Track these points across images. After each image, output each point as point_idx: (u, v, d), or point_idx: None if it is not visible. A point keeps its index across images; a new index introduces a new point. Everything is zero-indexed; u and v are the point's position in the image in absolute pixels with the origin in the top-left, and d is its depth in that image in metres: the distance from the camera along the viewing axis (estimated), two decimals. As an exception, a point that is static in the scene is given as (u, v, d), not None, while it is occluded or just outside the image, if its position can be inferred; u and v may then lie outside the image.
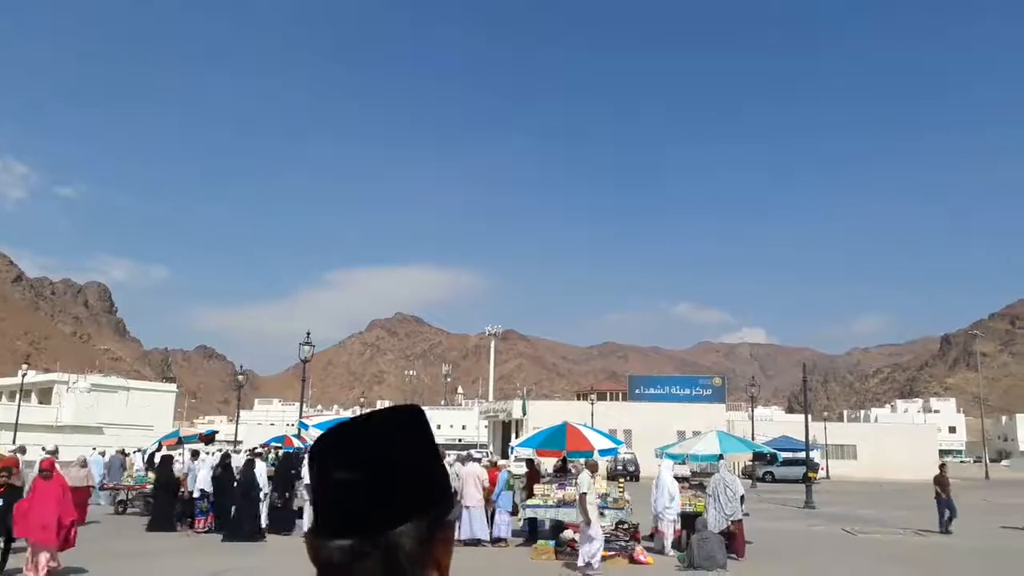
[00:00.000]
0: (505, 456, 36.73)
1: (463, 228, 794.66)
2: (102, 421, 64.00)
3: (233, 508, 16.87)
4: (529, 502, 16.86)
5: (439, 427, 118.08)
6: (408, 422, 1.16)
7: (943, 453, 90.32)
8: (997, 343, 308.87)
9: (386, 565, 1.09)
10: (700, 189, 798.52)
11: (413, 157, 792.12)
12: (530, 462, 20.05)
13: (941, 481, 20.59)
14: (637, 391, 65.01)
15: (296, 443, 26.28)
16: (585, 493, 13.01)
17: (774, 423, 67.60)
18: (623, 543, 14.95)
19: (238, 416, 48.11)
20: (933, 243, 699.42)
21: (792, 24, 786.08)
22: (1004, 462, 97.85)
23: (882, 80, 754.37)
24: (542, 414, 50.66)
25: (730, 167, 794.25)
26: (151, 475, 20.96)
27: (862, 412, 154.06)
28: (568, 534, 15.38)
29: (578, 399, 71.84)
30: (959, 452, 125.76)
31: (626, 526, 15.48)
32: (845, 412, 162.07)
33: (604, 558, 14.62)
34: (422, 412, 1.20)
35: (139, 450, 29.50)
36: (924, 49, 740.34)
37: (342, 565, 1.09)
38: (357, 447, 1.12)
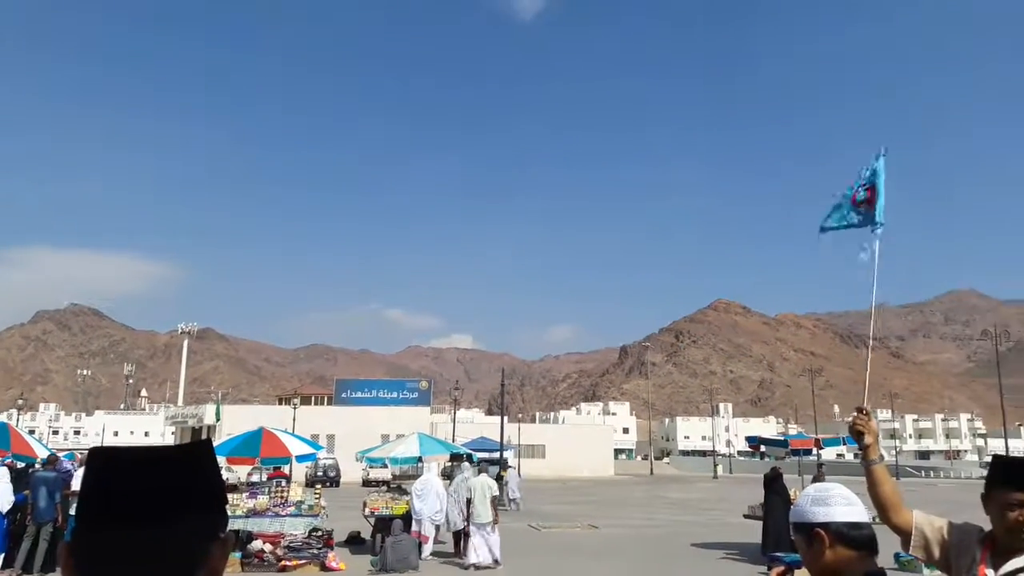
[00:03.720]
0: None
1: (159, 212, 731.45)
2: None
3: None
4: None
5: (116, 434, 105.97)
6: (191, 444, 1.24)
7: (618, 452, 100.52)
8: (664, 354, 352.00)
9: (166, 557, 1.13)
10: (416, 197, 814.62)
11: (101, 125, 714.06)
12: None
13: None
14: (343, 395, 63.98)
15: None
16: (497, 496, 14.59)
17: (475, 424, 70.31)
18: (315, 550, 14.42)
19: None
20: (614, 264, 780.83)
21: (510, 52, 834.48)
22: (665, 459, 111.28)
23: (593, 115, 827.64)
24: (239, 419, 47.79)
25: (446, 179, 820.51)
26: None
27: (552, 414, 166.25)
28: (257, 544, 14.49)
29: (280, 403, 69.00)
30: (630, 451, 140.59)
31: (319, 533, 14.95)
32: (537, 414, 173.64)
33: (295, 567, 14.00)
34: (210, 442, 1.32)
35: None
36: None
37: (121, 556, 1.11)
38: (138, 450, 1.19)
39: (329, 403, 66.24)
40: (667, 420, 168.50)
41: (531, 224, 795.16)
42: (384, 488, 18.30)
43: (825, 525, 2.08)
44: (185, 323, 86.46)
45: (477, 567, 13.84)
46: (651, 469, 76.25)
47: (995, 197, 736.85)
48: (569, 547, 17.70)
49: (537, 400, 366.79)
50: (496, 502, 14.48)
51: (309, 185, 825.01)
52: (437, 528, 15.66)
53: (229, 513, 11.56)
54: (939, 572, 2.71)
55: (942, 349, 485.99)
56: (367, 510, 16.48)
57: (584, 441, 69.00)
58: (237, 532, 15.04)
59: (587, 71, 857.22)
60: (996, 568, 2.49)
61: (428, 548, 15.31)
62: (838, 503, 2.11)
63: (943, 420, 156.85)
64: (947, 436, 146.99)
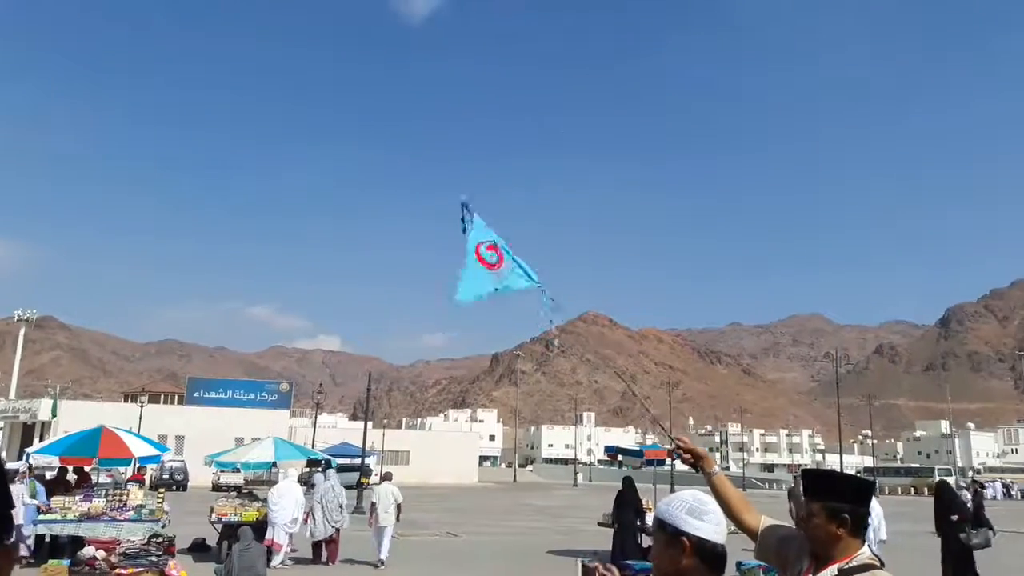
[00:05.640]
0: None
1: None
2: None
3: None
4: (44, 517, 14.48)
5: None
6: None
7: (483, 459, 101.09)
8: (534, 363, 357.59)
9: None
10: (288, 191, 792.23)
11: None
12: (63, 471, 17.43)
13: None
14: (196, 394, 60.93)
15: None
16: (400, 503, 15.73)
17: (337, 430, 68.90)
18: (155, 557, 13.55)
19: None
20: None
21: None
22: (529, 467, 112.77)
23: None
24: (78, 416, 44.50)
25: (320, 174, 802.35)
26: None
27: (419, 420, 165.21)
28: (89, 551, 13.47)
29: (126, 400, 64.96)
30: (495, 458, 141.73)
31: (160, 539, 14.06)
32: (404, 420, 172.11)
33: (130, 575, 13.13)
34: None
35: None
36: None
37: None
38: None
39: (180, 402, 62.99)
40: (532, 428, 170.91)
41: (410, 224, 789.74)
42: (234, 493, 17.48)
43: (689, 536, 2.18)
44: (22, 309, 79.62)
45: (380, 564, 15.13)
46: (515, 476, 77.05)
47: (840, 230, 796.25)
48: (427, 555, 17.53)
49: (406, 406, 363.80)
50: (400, 508, 15.72)
51: (169, 166, 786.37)
52: (291, 536, 15.18)
53: (59, 517, 10.56)
54: None
55: (789, 369, 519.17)
56: (214, 516, 15.74)
57: (449, 448, 68.95)
58: (56, 538, 13.94)
59: (473, 72, 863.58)
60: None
61: (279, 556, 14.77)
62: (710, 521, 2.22)
63: (787, 435, 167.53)
64: (790, 450, 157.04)
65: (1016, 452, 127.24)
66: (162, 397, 66.21)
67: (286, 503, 15.00)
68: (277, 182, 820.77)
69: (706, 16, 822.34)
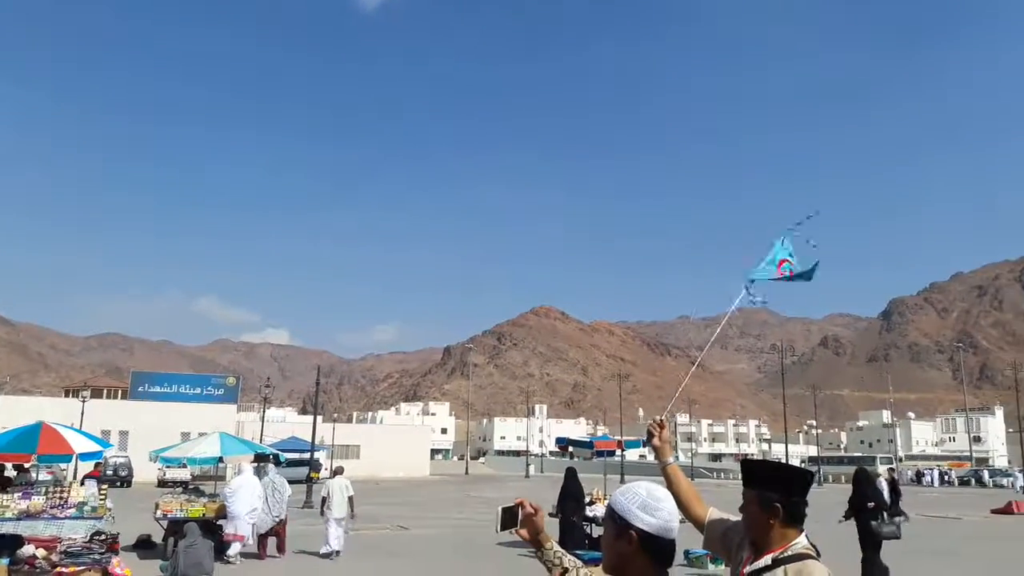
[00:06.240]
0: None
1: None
2: None
3: None
4: (-20, 515, 14.02)
5: None
6: None
7: (435, 452, 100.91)
8: (486, 356, 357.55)
9: None
10: (244, 185, 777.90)
11: None
12: (1, 468, 16.97)
13: None
14: (140, 389, 59.60)
15: None
16: (352, 496, 16.22)
17: (287, 424, 68.13)
18: (97, 555, 13.25)
19: None
20: (439, 271, 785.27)
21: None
22: (481, 459, 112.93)
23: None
24: (17, 412, 43.12)
25: (271, 164, 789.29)
26: None
27: (370, 414, 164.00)
28: (28, 550, 13.12)
29: (67, 395, 63.22)
30: (447, 451, 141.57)
31: (103, 537, 13.75)
32: (355, 414, 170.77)
33: (72, 574, 12.82)
34: None
35: None
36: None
37: None
38: None
39: (124, 397, 61.54)
40: (485, 420, 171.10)
41: (356, 216, 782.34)
42: (180, 489, 17.20)
43: (638, 529, 2.18)
44: (-42, 304, 77.05)
45: (336, 555, 15.49)
46: (467, 469, 77.16)
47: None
48: (377, 548, 17.48)
49: (356, 400, 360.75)
50: (352, 501, 16.16)
51: (112, 150, 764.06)
52: (253, 526, 15.08)
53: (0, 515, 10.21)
54: (723, 569, 2.86)
55: (736, 360, 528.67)
56: (160, 512, 15.46)
57: (400, 441, 68.72)
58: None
59: (434, 65, 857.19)
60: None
61: (237, 547, 14.67)
62: (662, 518, 2.20)
63: (734, 425, 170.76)
64: (737, 440, 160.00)
65: (953, 440, 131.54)
66: (105, 392, 64.56)
67: (242, 494, 14.89)
68: (223, 174, 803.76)
69: (706, 16, 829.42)
